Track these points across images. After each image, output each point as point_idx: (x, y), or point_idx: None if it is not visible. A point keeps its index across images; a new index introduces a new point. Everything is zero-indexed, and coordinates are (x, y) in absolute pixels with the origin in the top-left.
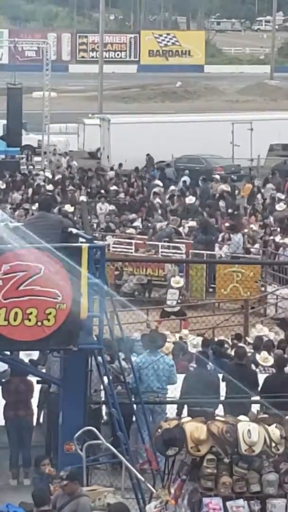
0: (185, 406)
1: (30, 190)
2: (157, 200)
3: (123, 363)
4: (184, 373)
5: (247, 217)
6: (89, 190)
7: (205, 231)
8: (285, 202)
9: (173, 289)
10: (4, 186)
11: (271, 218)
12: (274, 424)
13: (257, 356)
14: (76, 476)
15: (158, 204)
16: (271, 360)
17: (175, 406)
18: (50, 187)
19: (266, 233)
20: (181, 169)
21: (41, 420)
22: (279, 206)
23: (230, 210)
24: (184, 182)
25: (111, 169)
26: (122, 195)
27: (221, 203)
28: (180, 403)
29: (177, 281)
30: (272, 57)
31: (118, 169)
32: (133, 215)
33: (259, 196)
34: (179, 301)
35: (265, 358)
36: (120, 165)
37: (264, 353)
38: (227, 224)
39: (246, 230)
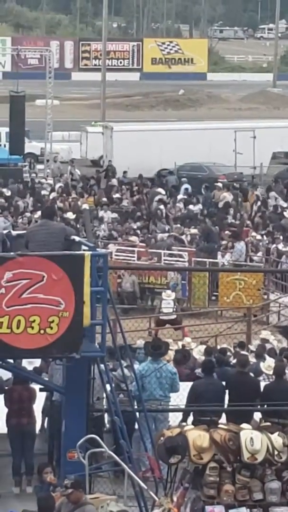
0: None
1: (32, 198)
2: (161, 208)
3: (126, 370)
4: (186, 381)
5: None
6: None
7: (207, 238)
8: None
9: (166, 300)
10: (9, 193)
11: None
12: (277, 432)
13: (261, 364)
14: (80, 484)
15: (161, 212)
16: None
17: (178, 414)
18: (53, 195)
19: (269, 241)
20: (183, 177)
21: (45, 426)
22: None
23: (233, 220)
24: (186, 189)
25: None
26: (125, 202)
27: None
28: (183, 411)
29: (169, 294)
30: (274, 65)
31: (122, 177)
32: (138, 224)
33: (255, 204)
34: (174, 308)
35: (268, 366)
36: (125, 172)
37: (268, 361)
38: (227, 232)
39: (248, 238)
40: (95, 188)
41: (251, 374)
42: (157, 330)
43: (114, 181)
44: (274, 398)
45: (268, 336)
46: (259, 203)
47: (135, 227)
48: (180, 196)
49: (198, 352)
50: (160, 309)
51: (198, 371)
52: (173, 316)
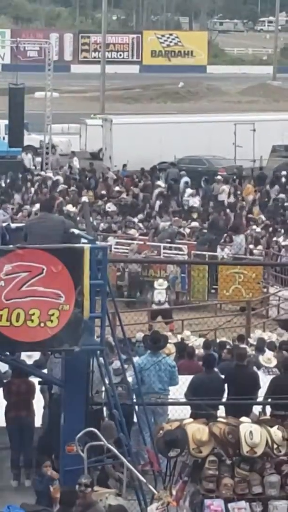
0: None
1: (32, 190)
2: (158, 202)
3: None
4: (185, 374)
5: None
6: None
7: (212, 229)
8: None
9: (159, 289)
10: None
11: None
12: (276, 426)
13: (260, 357)
14: (92, 483)
15: (163, 205)
16: (274, 361)
17: (176, 407)
18: (61, 187)
19: (263, 235)
20: (183, 170)
21: None
22: None
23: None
24: (186, 183)
25: (109, 169)
26: (124, 195)
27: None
28: (181, 405)
29: (161, 283)
30: (274, 57)
31: (122, 170)
32: (139, 216)
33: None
34: (167, 299)
35: (268, 359)
36: (124, 166)
37: (267, 354)
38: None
39: (248, 232)
40: (92, 181)
41: (252, 367)
42: (150, 324)
43: (111, 174)
44: (282, 392)
45: (263, 335)
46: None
47: (136, 220)
48: (189, 190)
49: (196, 347)
50: (152, 300)
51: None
52: (166, 306)
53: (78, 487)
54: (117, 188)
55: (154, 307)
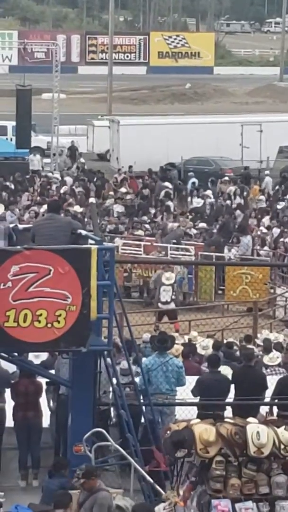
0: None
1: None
2: (169, 202)
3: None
4: (193, 375)
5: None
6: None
7: (222, 232)
8: None
9: (166, 286)
10: (13, 187)
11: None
12: (283, 426)
13: (265, 357)
14: (91, 472)
15: (169, 206)
16: (277, 360)
17: (184, 407)
18: (63, 189)
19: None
20: (190, 171)
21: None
22: None
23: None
24: (193, 183)
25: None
26: (129, 196)
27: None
28: (189, 405)
29: (169, 277)
30: (281, 58)
31: (128, 171)
32: (145, 217)
33: (262, 197)
34: (173, 297)
35: (271, 358)
36: (130, 167)
37: (272, 353)
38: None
39: (255, 233)
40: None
41: (260, 368)
42: (156, 325)
43: (117, 177)
44: None
45: (270, 336)
46: (262, 196)
47: (145, 218)
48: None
49: (204, 347)
50: (159, 299)
51: (205, 365)
52: (172, 306)
53: (76, 479)
54: (123, 189)
55: (160, 306)
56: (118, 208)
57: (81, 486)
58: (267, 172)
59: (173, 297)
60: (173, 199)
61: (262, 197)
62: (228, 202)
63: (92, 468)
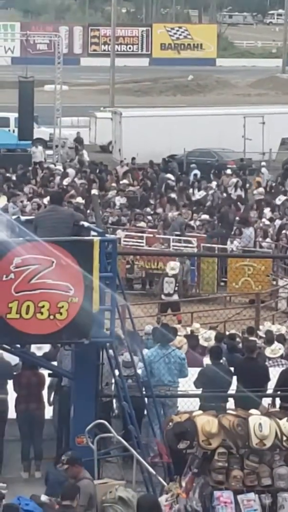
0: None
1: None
2: (171, 194)
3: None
4: (195, 367)
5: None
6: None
7: (222, 223)
8: None
9: (169, 277)
10: (18, 180)
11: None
12: (286, 418)
13: (267, 349)
14: (76, 460)
15: (172, 198)
16: (279, 352)
17: (186, 399)
18: (66, 181)
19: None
20: (192, 163)
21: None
22: None
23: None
24: (195, 175)
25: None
26: (131, 188)
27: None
28: (191, 397)
29: (173, 267)
30: (284, 50)
31: (131, 163)
32: (148, 209)
33: (261, 189)
34: (176, 289)
35: (273, 350)
36: (133, 159)
37: (274, 345)
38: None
39: (257, 224)
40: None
41: (262, 360)
42: (158, 317)
43: (119, 168)
44: None
45: (272, 327)
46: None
47: (148, 210)
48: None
49: (202, 338)
50: (162, 291)
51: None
52: (175, 298)
53: (61, 465)
54: (125, 181)
55: (164, 298)
56: (121, 200)
57: (65, 471)
58: (263, 163)
59: (176, 288)
60: (176, 191)
61: (260, 189)
62: (226, 194)
63: (77, 456)
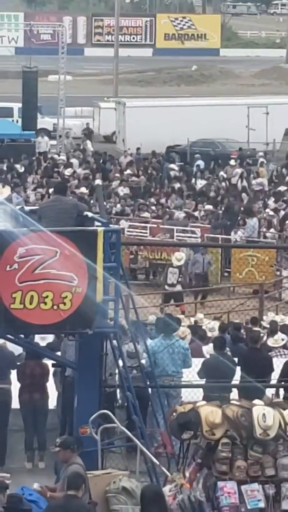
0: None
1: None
2: (176, 184)
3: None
4: (199, 357)
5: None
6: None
7: (227, 214)
8: None
9: (173, 268)
10: (22, 170)
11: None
12: None
13: (270, 339)
14: (68, 444)
15: (176, 188)
16: (282, 342)
17: (190, 389)
18: (68, 171)
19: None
20: (196, 153)
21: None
22: None
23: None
24: (198, 166)
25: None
26: (134, 178)
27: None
28: (195, 387)
29: (179, 258)
30: None
31: (136, 153)
32: (152, 199)
33: (259, 180)
34: (179, 279)
35: (276, 340)
36: (138, 149)
37: (277, 336)
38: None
39: (261, 215)
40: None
41: (266, 350)
42: (162, 307)
43: (122, 159)
44: None
45: (276, 318)
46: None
47: (152, 201)
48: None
49: (210, 329)
50: (166, 281)
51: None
52: (178, 288)
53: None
54: (128, 171)
55: (167, 288)
56: (124, 190)
57: (56, 454)
58: (260, 153)
59: (180, 279)
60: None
61: (259, 180)
62: (229, 184)
63: (70, 441)
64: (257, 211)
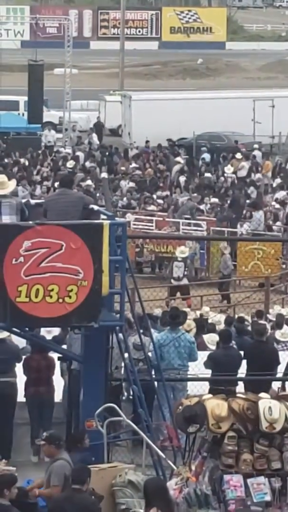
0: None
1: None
2: (181, 177)
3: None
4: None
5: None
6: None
7: (233, 207)
8: None
9: (178, 262)
10: (28, 163)
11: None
12: None
13: (277, 332)
14: (54, 439)
15: (182, 181)
16: None
17: (196, 383)
18: (70, 163)
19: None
20: (202, 146)
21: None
22: None
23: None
24: (203, 159)
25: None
26: (138, 172)
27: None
28: (201, 380)
29: (183, 250)
30: None
31: (145, 147)
32: (158, 193)
33: (258, 175)
34: (185, 273)
35: (283, 334)
36: (147, 142)
37: (284, 329)
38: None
39: (267, 208)
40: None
41: (272, 343)
42: (168, 300)
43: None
44: None
45: (282, 311)
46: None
47: (155, 196)
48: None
49: (216, 323)
50: (172, 275)
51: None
52: (184, 282)
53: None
54: (133, 165)
55: (173, 282)
56: (128, 184)
57: (41, 447)
58: (255, 145)
59: (186, 272)
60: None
61: (258, 175)
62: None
63: (57, 436)
64: (264, 204)
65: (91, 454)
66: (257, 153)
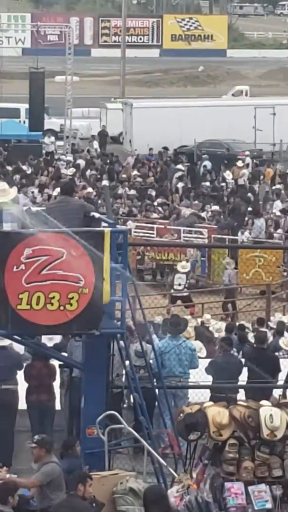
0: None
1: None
2: (181, 184)
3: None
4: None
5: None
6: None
7: (233, 214)
8: None
9: (180, 274)
10: (30, 171)
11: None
12: None
13: (280, 340)
14: (45, 443)
15: (182, 189)
16: None
17: (197, 390)
18: (70, 171)
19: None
20: (203, 154)
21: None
22: None
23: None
24: (205, 166)
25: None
26: (139, 179)
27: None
28: (202, 388)
29: (184, 266)
30: None
31: (148, 154)
32: (159, 200)
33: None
34: (186, 285)
35: (283, 342)
36: (151, 149)
37: (286, 336)
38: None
39: (268, 215)
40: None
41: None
42: (169, 308)
43: (130, 159)
44: None
45: (283, 318)
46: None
47: (156, 204)
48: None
49: (217, 330)
50: (173, 284)
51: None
52: (185, 293)
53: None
54: (135, 172)
55: (174, 291)
56: (131, 191)
57: (31, 449)
58: (247, 152)
59: (187, 285)
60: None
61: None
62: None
63: (48, 441)
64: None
65: (79, 462)
66: (248, 160)
